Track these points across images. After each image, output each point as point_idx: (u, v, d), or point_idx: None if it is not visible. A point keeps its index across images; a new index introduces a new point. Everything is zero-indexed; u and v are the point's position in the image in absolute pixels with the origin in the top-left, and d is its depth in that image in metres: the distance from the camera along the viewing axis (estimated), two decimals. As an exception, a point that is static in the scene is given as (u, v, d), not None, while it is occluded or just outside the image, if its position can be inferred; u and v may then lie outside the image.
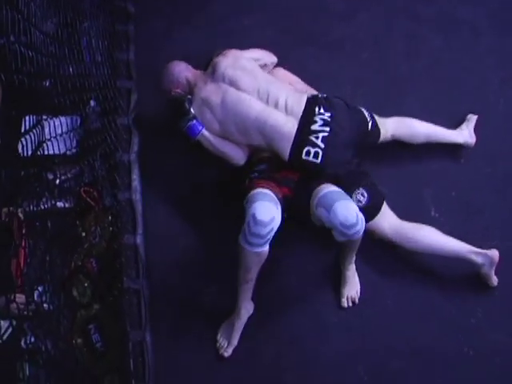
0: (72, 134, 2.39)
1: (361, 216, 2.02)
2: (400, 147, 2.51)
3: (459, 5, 3.03)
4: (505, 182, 2.50)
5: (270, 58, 2.54)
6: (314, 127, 2.19)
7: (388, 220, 2.26)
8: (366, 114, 2.34)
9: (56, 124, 2.19)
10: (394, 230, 2.25)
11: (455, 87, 2.76)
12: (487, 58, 2.88)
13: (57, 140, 2.14)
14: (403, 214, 2.31)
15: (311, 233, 2.35)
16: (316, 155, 2.17)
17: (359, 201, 2.20)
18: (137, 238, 2.34)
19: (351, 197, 2.17)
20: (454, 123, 2.60)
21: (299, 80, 2.52)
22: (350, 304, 2.26)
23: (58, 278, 2.18)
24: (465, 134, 2.52)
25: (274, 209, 2.02)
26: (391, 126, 2.44)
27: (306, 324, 2.25)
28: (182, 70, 2.42)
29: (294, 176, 2.24)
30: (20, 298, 1.77)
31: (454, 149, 2.54)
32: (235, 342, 2.19)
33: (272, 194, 2.10)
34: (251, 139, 2.27)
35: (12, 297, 1.69)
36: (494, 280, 2.25)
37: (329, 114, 2.22)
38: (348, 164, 2.25)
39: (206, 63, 2.48)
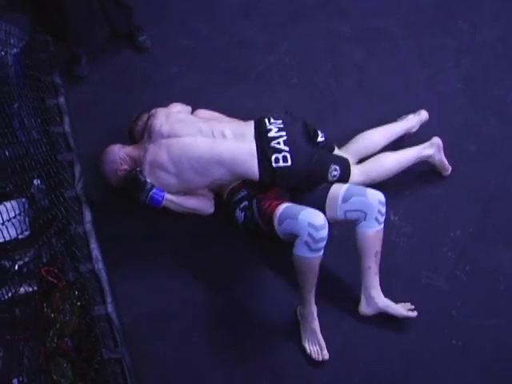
0: (22, 217, 2.34)
1: None
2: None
3: (371, 16, 3.18)
4: (453, 173, 2.57)
5: (186, 108, 2.60)
6: (272, 134, 2.28)
7: (355, 172, 2.39)
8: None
9: (3, 210, 2.15)
10: (363, 175, 2.41)
11: (386, 94, 2.86)
12: (410, 60, 3.02)
13: (6, 226, 2.10)
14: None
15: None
16: (285, 159, 2.24)
17: (334, 176, 2.32)
18: (108, 307, 2.28)
19: (327, 175, 2.30)
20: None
21: (222, 115, 2.57)
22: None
23: (33, 366, 2.10)
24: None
25: (316, 211, 2.09)
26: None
27: (293, 353, 2.21)
28: (120, 148, 2.45)
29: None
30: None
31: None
32: (323, 342, 2.16)
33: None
34: (213, 176, 2.28)
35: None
36: (448, 166, 2.55)
37: (280, 121, 2.33)
38: (313, 156, 2.30)
39: (128, 134, 2.56)
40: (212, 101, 2.63)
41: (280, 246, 2.24)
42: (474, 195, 2.52)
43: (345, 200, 2.17)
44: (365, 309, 2.24)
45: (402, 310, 2.21)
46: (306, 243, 2.03)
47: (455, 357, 2.17)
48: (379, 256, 2.19)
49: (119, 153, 2.43)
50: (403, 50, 3.05)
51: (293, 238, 2.08)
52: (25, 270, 2.31)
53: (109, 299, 2.29)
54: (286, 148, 2.25)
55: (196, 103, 2.62)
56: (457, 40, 3.06)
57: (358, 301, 2.26)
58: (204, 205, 2.43)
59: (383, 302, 2.21)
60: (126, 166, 2.41)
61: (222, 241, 2.46)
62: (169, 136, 2.32)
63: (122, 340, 2.21)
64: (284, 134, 2.28)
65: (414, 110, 2.76)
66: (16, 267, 2.28)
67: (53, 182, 2.50)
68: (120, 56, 3.01)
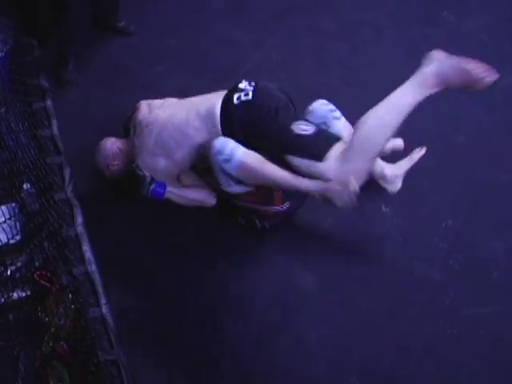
0: (12, 222, 2.33)
1: None
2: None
3: (356, 10, 3.18)
4: (442, 164, 2.58)
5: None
6: (242, 86, 2.23)
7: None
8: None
9: (-8, 215, 2.15)
10: None
11: (372, 88, 2.84)
12: (395, 52, 3.03)
13: (-4, 231, 2.10)
14: (355, 215, 2.36)
15: (283, 258, 2.38)
16: (247, 94, 2.18)
17: (304, 130, 2.14)
18: (102, 308, 2.27)
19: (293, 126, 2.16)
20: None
21: None
22: None
23: (30, 370, 2.09)
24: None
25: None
26: None
27: (288, 350, 2.22)
28: (113, 143, 2.49)
29: None
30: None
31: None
32: None
33: None
34: (193, 140, 2.23)
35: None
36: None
37: (254, 84, 2.24)
38: (278, 109, 2.17)
39: (123, 129, 2.56)
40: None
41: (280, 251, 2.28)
42: (464, 185, 2.54)
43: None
44: (392, 186, 2.40)
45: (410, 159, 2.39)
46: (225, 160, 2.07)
47: (450, 346, 2.18)
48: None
49: (112, 148, 2.47)
50: (389, 43, 3.06)
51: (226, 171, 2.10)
52: (17, 274, 2.30)
53: (103, 301, 2.29)
54: (251, 88, 2.20)
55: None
56: (442, 31, 3.07)
57: (348, 292, 2.27)
58: (206, 196, 2.42)
59: (392, 167, 2.38)
60: (117, 161, 2.45)
61: (217, 242, 2.46)
62: (150, 124, 2.34)
63: (118, 341, 2.21)
64: (252, 88, 2.21)
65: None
66: (8, 272, 2.27)
67: (42, 186, 2.48)
68: (107, 57, 3.00)
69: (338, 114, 2.31)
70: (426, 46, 2.99)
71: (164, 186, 2.35)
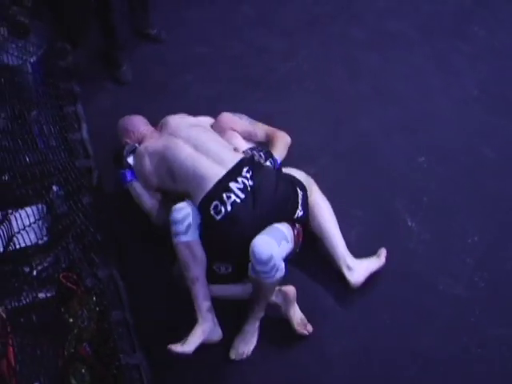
0: (41, 223, 2.36)
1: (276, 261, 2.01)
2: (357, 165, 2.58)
3: (388, 20, 3.18)
4: (469, 178, 2.56)
5: (209, 120, 2.55)
6: (232, 185, 2.13)
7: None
8: (300, 202, 2.21)
9: (23, 216, 2.17)
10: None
11: (402, 99, 2.86)
12: (426, 65, 3.02)
13: (26, 231, 2.13)
14: (381, 229, 2.35)
15: (307, 270, 2.37)
16: (220, 211, 2.10)
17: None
18: (125, 312, 2.29)
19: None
20: (409, 131, 2.66)
21: (243, 122, 2.51)
22: (238, 358, 2.18)
23: (52, 370, 2.12)
24: (354, 274, 2.27)
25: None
26: None
27: (309, 362, 2.19)
28: (142, 124, 2.54)
29: None
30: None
31: (414, 156, 2.59)
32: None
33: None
34: (178, 186, 2.27)
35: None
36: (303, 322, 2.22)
37: (251, 183, 2.14)
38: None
39: None
40: (229, 108, 2.61)
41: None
42: (492, 201, 2.51)
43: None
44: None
45: (245, 348, 2.21)
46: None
47: (474, 364, 2.14)
48: (261, 299, 2.15)
49: (138, 126, 2.53)
50: (418, 54, 3.05)
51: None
52: (44, 275, 2.33)
53: (126, 304, 2.31)
54: (229, 208, 2.10)
55: (213, 111, 2.60)
56: (472, 45, 3.05)
57: (372, 305, 2.27)
58: (159, 214, 2.39)
59: (248, 327, 2.21)
60: (131, 141, 2.49)
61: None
62: (171, 133, 2.36)
63: (140, 345, 2.22)
64: (242, 196, 2.11)
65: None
66: (35, 273, 2.30)
67: (71, 188, 2.51)
68: (136, 64, 3.04)
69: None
70: (455, 59, 3.01)
71: (133, 176, 2.41)
